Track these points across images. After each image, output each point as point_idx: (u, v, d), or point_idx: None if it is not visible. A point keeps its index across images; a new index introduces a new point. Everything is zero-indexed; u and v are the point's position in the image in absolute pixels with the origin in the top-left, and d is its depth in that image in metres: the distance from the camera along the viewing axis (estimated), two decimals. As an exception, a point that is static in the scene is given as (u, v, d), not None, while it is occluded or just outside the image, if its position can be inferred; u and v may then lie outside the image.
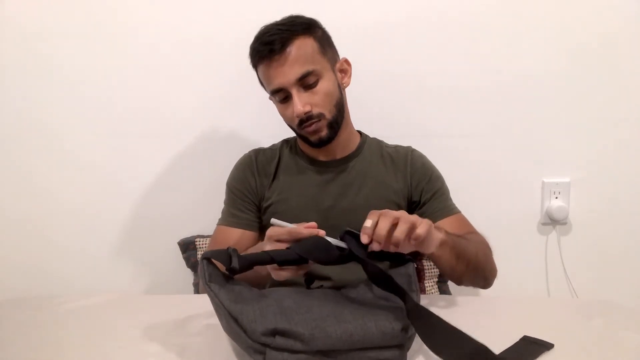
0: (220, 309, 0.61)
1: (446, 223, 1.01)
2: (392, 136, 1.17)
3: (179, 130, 1.40)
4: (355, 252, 0.70)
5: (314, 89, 0.96)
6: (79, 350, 0.67)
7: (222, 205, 1.12)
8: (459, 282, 0.92)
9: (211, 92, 1.39)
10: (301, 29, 0.95)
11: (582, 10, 1.34)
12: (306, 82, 0.95)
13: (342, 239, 0.73)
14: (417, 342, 0.64)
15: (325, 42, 1.00)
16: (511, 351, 0.62)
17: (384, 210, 0.72)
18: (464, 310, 0.81)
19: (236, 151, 1.16)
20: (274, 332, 0.57)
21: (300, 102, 0.95)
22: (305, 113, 0.96)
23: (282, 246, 0.73)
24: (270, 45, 0.93)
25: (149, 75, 1.38)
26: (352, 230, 0.73)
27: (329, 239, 0.73)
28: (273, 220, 0.77)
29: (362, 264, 0.69)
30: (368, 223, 0.70)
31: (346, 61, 1.05)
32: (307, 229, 0.74)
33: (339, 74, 1.03)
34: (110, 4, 1.35)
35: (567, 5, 1.34)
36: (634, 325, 0.74)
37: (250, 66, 1.01)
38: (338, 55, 1.05)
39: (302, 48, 0.94)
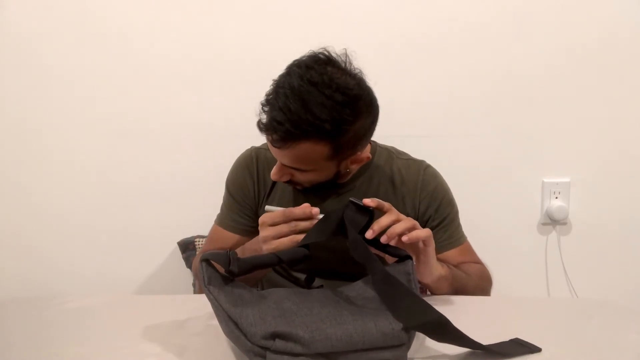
0: (220, 312, 0.61)
1: (450, 255, 0.98)
2: (393, 136, 1.17)
3: (179, 129, 1.40)
4: (347, 222, 0.72)
5: (302, 172, 0.87)
6: (79, 350, 0.67)
7: (221, 206, 1.12)
8: None
9: (211, 92, 1.39)
10: (322, 133, 0.77)
11: (581, 11, 1.35)
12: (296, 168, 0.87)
13: (344, 211, 0.74)
14: (417, 342, 0.64)
15: (348, 144, 0.82)
16: (493, 346, 0.62)
17: (393, 209, 0.76)
18: (463, 310, 0.81)
19: (236, 151, 1.15)
20: (274, 336, 0.56)
21: (278, 173, 0.87)
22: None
23: (277, 231, 0.76)
24: (272, 134, 0.79)
25: (148, 75, 1.38)
26: (355, 201, 0.74)
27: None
28: (267, 207, 0.81)
29: (347, 232, 0.71)
30: (384, 222, 0.73)
31: (367, 157, 0.91)
32: (301, 208, 0.76)
33: (348, 163, 0.88)
34: (108, 6, 1.35)
35: (567, 6, 1.35)
36: (634, 325, 0.74)
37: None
38: (363, 147, 0.88)
39: (305, 151, 0.80)
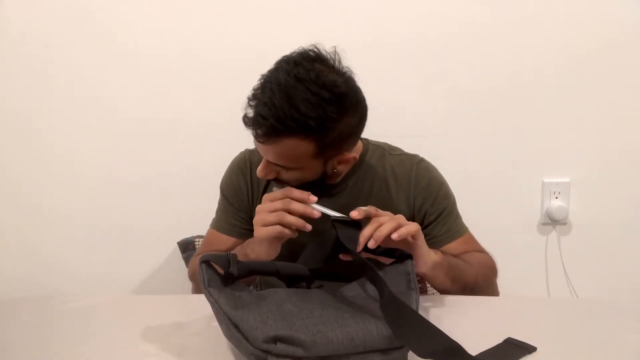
0: (221, 314, 0.60)
1: (451, 247, 0.97)
2: (392, 135, 1.17)
3: (179, 129, 1.40)
4: (345, 243, 0.72)
5: (287, 170, 0.84)
6: (79, 350, 0.67)
7: (221, 206, 1.11)
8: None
9: (212, 92, 1.39)
10: (306, 130, 0.75)
11: (582, 11, 1.35)
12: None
13: (337, 233, 0.74)
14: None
15: (333, 143, 0.80)
16: (490, 353, 0.62)
17: (379, 213, 0.77)
18: (463, 310, 0.81)
19: (237, 151, 1.15)
20: (275, 339, 0.56)
21: (264, 170, 0.85)
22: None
23: (272, 206, 0.78)
24: (257, 128, 0.79)
25: (148, 75, 1.38)
26: (338, 217, 0.75)
27: (318, 207, 0.78)
28: (275, 187, 0.85)
29: (350, 253, 0.72)
30: (367, 232, 0.73)
31: (354, 157, 0.89)
32: (300, 190, 0.79)
33: (334, 163, 0.86)
34: (108, 5, 1.35)
35: (567, 6, 1.34)
36: (634, 325, 0.74)
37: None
38: (350, 146, 0.86)
39: (289, 147, 0.78)
